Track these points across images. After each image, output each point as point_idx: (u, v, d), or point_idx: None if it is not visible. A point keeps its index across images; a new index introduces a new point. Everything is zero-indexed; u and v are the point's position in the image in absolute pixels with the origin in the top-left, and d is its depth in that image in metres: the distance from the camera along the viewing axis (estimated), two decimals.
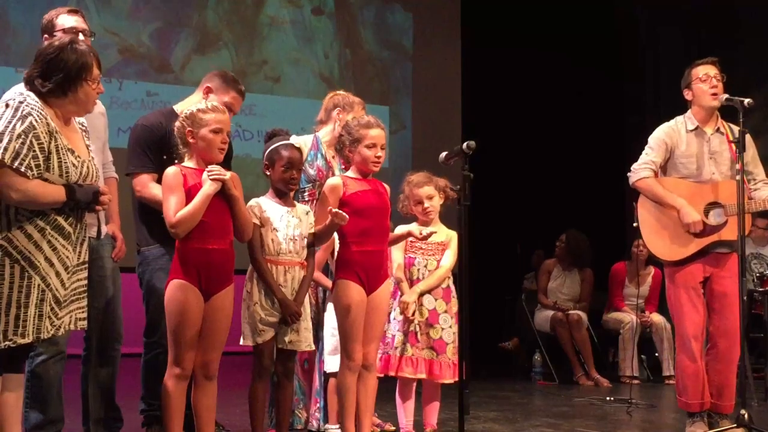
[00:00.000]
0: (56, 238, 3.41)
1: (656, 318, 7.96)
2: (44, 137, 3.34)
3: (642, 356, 8.04)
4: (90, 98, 3.52)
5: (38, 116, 3.35)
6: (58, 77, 3.43)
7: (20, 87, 3.49)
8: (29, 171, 3.29)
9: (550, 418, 5.70)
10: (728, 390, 4.81)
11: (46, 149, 3.35)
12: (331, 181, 4.27)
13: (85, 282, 3.58)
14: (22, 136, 3.28)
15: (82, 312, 3.55)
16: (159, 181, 4.38)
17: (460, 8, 10.48)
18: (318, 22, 9.90)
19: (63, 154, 3.40)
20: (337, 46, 9.99)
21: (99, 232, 4.27)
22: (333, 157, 4.84)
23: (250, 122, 8.70)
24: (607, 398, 6.60)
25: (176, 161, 3.96)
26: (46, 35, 4.32)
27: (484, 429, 5.22)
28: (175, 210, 3.75)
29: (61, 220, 3.42)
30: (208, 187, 3.77)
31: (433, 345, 4.66)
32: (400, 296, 4.70)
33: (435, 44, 10.33)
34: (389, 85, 10.22)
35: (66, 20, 4.31)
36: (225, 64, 8.79)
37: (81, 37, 4.25)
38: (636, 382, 7.14)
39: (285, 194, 4.17)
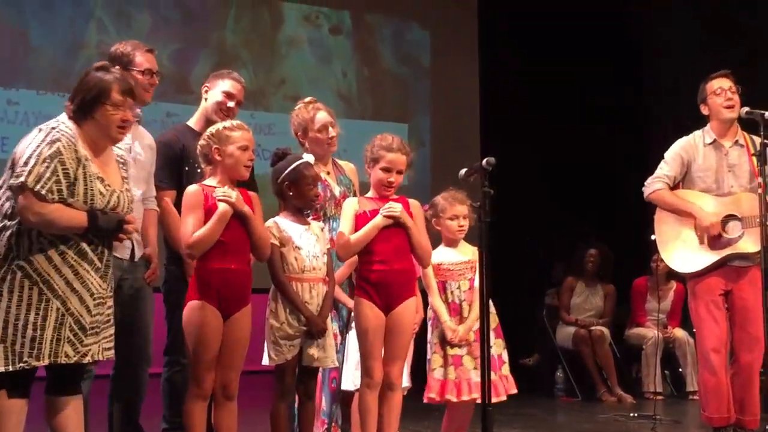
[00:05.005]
0: (79, 264, 3.42)
1: (679, 333, 7.91)
2: (71, 163, 3.37)
3: (665, 372, 7.98)
4: (110, 123, 3.51)
5: (67, 143, 3.39)
6: (78, 99, 3.49)
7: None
8: (50, 195, 3.32)
9: None
10: (751, 404, 4.78)
11: (72, 175, 3.37)
12: (348, 199, 4.32)
13: (111, 311, 3.59)
14: (47, 161, 3.33)
15: (107, 342, 3.55)
16: (179, 195, 4.42)
17: (477, 25, 10.49)
18: (336, 41, 9.94)
19: (90, 181, 3.42)
20: (355, 64, 10.01)
21: (132, 254, 4.30)
22: (328, 173, 4.79)
23: (269, 141, 8.69)
24: (631, 414, 6.55)
25: (197, 179, 3.98)
26: (118, 67, 4.33)
27: None
28: (192, 231, 3.76)
29: (84, 245, 3.43)
30: (222, 209, 3.77)
31: (491, 364, 4.47)
32: (442, 322, 4.60)
33: (452, 61, 10.33)
34: (408, 102, 10.23)
35: (144, 60, 4.38)
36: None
37: (156, 79, 4.37)
38: (660, 397, 7.08)
39: (300, 213, 4.19)
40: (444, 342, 4.61)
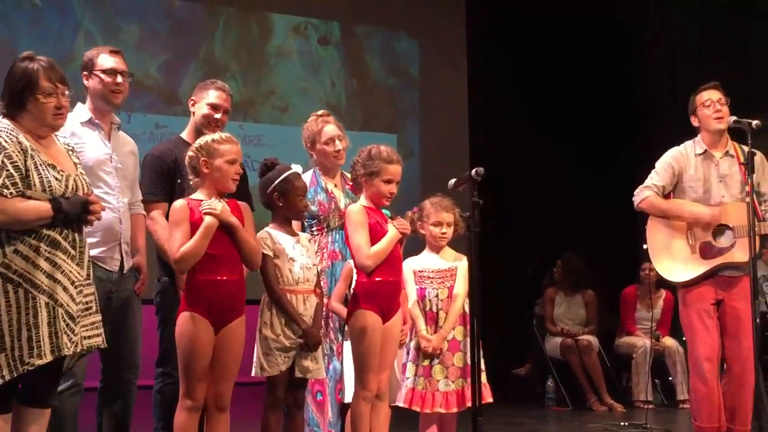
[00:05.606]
0: (54, 254, 3.39)
1: (669, 341, 7.93)
2: (17, 156, 3.35)
3: (656, 380, 7.99)
4: (45, 111, 3.47)
5: (7, 137, 3.37)
6: (6, 94, 3.49)
7: None
8: (5, 190, 3.31)
9: None
10: (742, 414, 4.77)
11: (22, 167, 3.35)
12: (355, 207, 4.25)
13: (92, 299, 3.56)
14: None
15: (87, 330, 3.50)
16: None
17: (466, 34, 10.51)
18: (324, 51, 9.94)
19: (42, 169, 3.40)
20: (344, 75, 10.02)
21: (122, 266, 4.28)
22: (335, 186, 4.81)
23: (258, 152, 8.68)
24: (622, 423, 6.56)
25: (188, 191, 3.97)
26: (85, 73, 4.34)
27: None
28: (179, 245, 3.75)
29: (55, 235, 3.40)
30: (207, 221, 3.77)
31: (463, 373, 4.57)
32: (417, 332, 4.64)
33: (441, 71, 10.34)
34: (396, 112, 10.23)
35: (106, 60, 4.34)
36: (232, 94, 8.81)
37: (119, 78, 4.30)
38: (650, 406, 7.09)
39: (290, 223, 4.18)
40: (419, 351, 4.63)
